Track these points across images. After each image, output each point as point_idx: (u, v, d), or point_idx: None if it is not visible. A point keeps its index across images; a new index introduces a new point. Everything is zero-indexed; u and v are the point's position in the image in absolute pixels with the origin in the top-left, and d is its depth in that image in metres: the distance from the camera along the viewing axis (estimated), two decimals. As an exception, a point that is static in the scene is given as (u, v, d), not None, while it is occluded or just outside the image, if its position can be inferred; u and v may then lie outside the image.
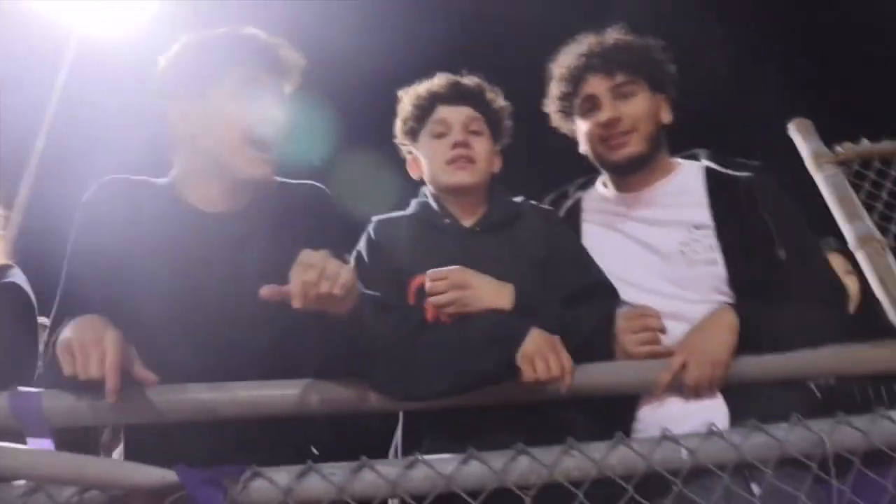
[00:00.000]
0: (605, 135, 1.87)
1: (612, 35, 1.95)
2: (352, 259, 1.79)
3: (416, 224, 1.87)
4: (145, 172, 1.70)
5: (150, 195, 1.62)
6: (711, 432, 1.42)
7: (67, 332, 1.30)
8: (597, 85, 1.89)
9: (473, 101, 1.90)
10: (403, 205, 1.95)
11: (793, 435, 1.44)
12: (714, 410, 1.59)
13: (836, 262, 2.63)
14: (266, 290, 1.31)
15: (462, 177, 1.83)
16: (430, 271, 1.67)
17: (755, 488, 1.47)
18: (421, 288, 1.67)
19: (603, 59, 1.89)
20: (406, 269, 1.74)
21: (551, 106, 2.03)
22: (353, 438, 1.57)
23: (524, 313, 1.59)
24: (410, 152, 1.97)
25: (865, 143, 2.29)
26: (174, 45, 1.68)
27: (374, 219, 1.89)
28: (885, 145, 2.32)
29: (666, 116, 1.95)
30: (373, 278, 1.67)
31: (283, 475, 1.26)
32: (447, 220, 1.85)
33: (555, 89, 2.00)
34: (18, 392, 1.31)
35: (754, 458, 1.41)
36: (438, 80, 1.93)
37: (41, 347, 1.59)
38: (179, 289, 1.50)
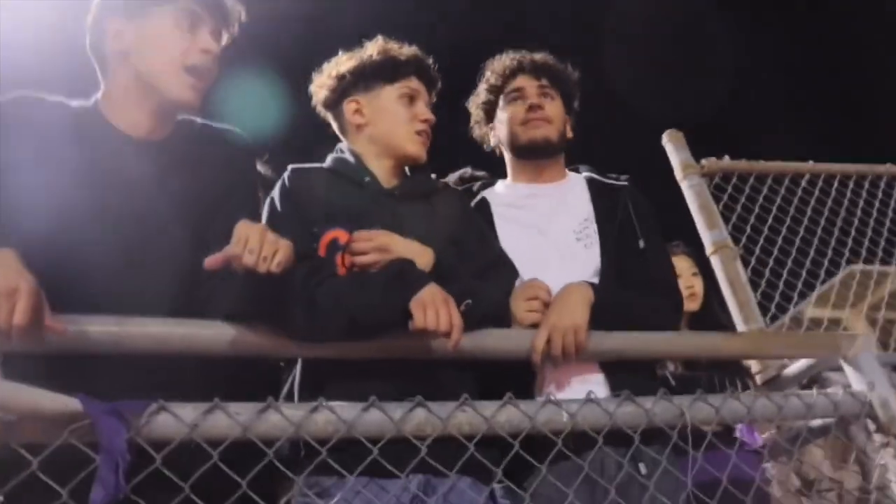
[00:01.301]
0: (528, 118, 2.10)
1: (542, 54, 2.20)
2: (266, 205, 1.80)
3: (334, 178, 1.86)
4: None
5: (68, 115, 1.59)
6: (589, 399, 1.56)
7: None
8: (525, 82, 2.15)
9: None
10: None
11: (658, 407, 1.62)
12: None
13: (685, 263, 2.92)
14: (210, 261, 1.36)
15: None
16: (357, 232, 1.69)
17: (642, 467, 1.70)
18: (333, 242, 1.69)
19: (533, 64, 2.16)
20: (319, 221, 1.75)
21: (476, 100, 2.24)
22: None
23: (438, 276, 1.62)
24: None
25: (727, 160, 2.55)
26: None
27: (291, 167, 1.87)
28: (743, 163, 2.60)
29: (569, 132, 2.21)
30: (284, 227, 1.70)
31: (188, 411, 1.27)
32: (367, 179, 1.85)
33: (484, 84, 2.21)
34: None
35: (625, 424, 1.57)
36: None
37: None
38: (100, 209, 1.48)
